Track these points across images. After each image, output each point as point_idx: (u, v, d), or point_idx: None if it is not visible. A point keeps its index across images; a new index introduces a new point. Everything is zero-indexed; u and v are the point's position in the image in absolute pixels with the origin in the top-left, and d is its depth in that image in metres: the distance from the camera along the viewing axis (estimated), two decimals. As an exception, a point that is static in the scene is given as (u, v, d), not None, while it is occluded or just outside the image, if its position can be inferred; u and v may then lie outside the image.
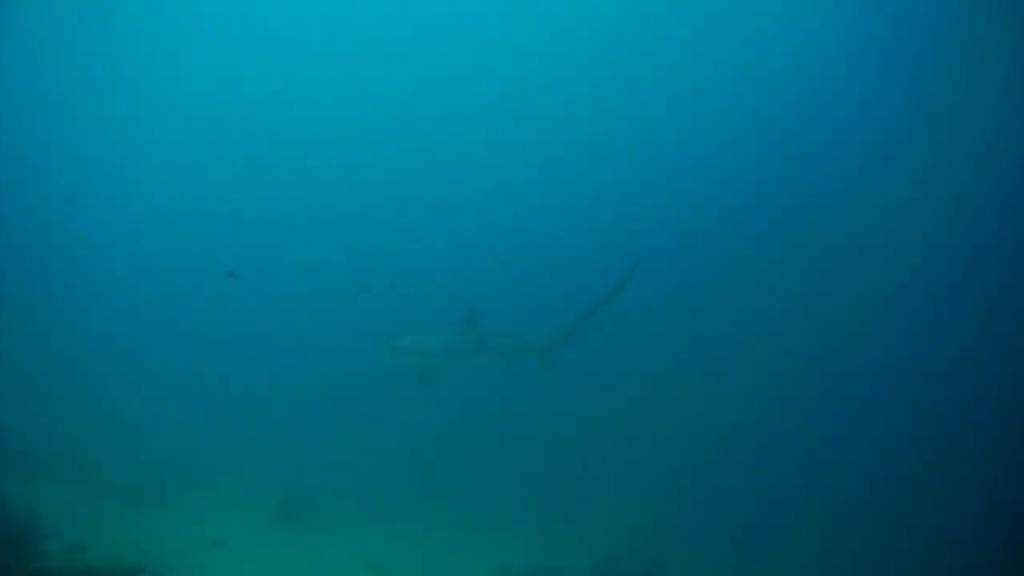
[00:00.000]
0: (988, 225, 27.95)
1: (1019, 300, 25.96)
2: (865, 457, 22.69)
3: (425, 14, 40.23)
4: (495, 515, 17.73)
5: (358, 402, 23.49)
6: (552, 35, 40.30)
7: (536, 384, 26.85)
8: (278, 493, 15.24)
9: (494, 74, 41.35)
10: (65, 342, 24.12)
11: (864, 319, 28.66)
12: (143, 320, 29.96)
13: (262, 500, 15.04)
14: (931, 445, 22.55)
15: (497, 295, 23.16)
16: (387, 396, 22.67)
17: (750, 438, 23.57)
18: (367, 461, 19.65)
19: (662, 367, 27.18)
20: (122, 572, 9.12)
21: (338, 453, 19.76)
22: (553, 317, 16.03)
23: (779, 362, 27.25)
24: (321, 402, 22.80)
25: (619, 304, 15.46)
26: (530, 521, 17.71)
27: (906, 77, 32.18)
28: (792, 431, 24.21)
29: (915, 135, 31.11)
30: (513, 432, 23.31)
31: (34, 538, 9.48)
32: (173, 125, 40.09)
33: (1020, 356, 24.36)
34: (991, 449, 20.64)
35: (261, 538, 13.10)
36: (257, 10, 39.41)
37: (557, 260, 35.32)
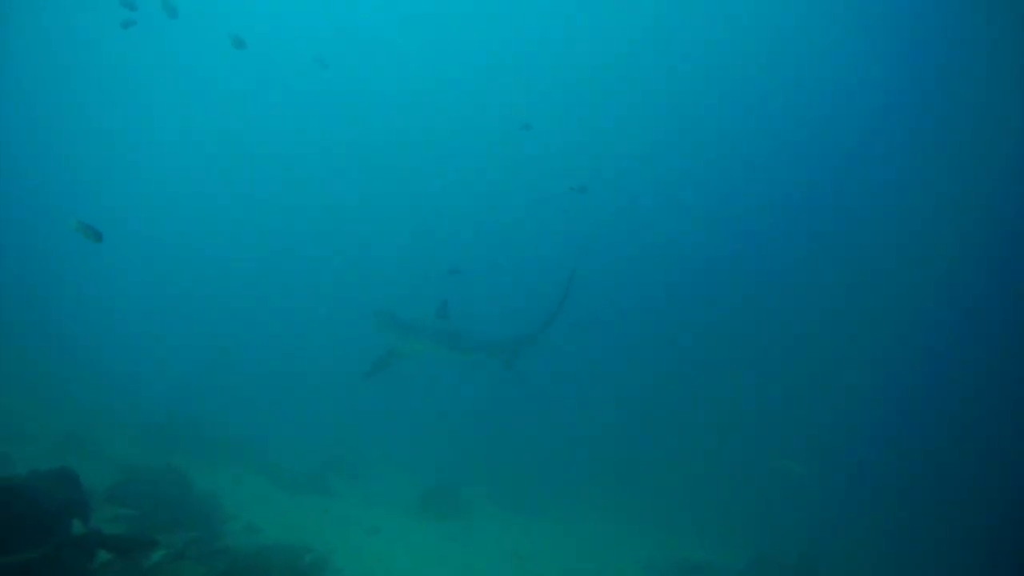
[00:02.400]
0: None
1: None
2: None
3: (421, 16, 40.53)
4: (640, 508, 17.61)
5: (501, 397, 24.18)
6: (543, 37, 39.84)
7: (684, 379, 27.07)
8: (425, 483, 15.94)
9: (487, 73, 41.46)
10: (240, 341, 26.40)
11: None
12: (304, 321, 32.07)
13: (411, 489, 15.81)
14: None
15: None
16: (531, 391, 23.23)
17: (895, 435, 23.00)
18: (511, 453, 20.11)
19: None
20: (293, 552, 9.93)
21: (483, 446, 20.37)
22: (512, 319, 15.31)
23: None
24: (465, 398, 23.68)
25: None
26: (678, 516, 17.45)
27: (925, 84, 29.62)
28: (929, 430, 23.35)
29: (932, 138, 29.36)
30: (660, 427, 23.14)
31: (218, 519, 10.55)
32: (183, 121, 42.03)
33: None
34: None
35: (410, 526, 13.76)
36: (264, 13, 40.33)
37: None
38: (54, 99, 39.08)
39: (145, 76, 39.68)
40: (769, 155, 36.78)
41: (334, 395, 21.88)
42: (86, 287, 26.95)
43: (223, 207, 40.76)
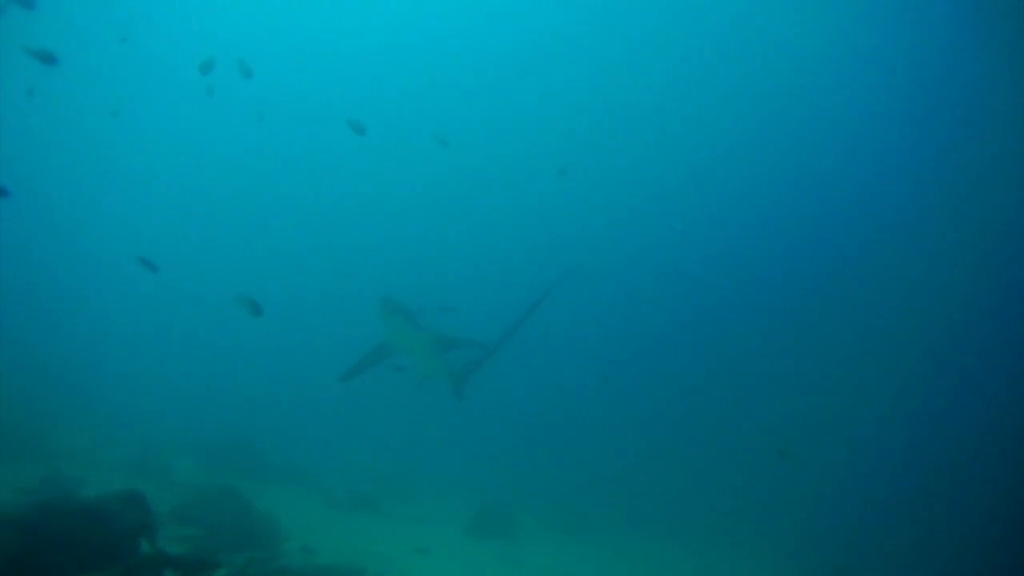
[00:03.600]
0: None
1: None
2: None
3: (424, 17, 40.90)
4: (689, 529, 17.41)
5: (553, 417, 24.29)
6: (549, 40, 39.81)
7: (743, 400, 27.10)
8: (475, 504, 16.11)
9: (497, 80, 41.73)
10: (292, 367, 27.17)
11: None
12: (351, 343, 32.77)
13: (461, 510, 15.99)
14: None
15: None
16: (582, 410, 23.20)
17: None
18: (560, 475, 20.14)
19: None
20: (347, 573, 10.21)
21: (531, 467, 20.46)
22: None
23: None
24: (517, 418, 23.87)
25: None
26: (728, 537, 17.20)
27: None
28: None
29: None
30: (715, 445, 23.00)
31: (276, 539, 10.93)
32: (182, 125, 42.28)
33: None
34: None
35: (461, 546, 13.91)
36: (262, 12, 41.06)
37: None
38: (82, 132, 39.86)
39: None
40: (802, 179, 36.61)
41: (382, 418, 22.34)
42: (144, 322, 28.10)
43: (275, 236, 41.98)
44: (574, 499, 18.37)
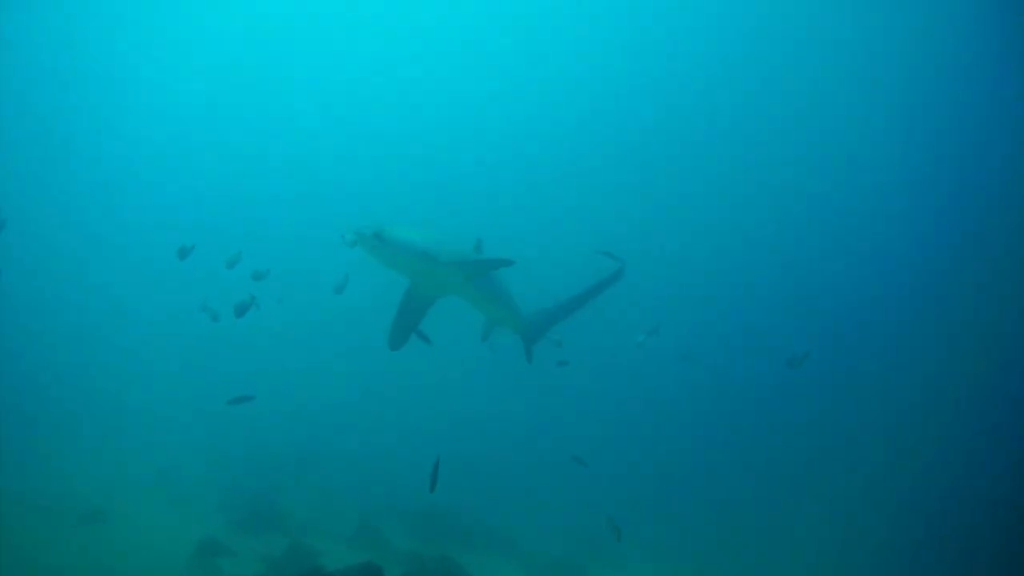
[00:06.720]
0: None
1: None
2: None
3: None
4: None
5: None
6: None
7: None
8: (687, 569, 15.18)
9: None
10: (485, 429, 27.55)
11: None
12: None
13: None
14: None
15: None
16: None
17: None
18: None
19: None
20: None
21: (741, 531, 19.14)
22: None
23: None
24: (720, 481, 22.89)
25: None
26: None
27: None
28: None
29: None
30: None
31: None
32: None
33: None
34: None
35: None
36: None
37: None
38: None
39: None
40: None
41: (580, 476, 21.93)
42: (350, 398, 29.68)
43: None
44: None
